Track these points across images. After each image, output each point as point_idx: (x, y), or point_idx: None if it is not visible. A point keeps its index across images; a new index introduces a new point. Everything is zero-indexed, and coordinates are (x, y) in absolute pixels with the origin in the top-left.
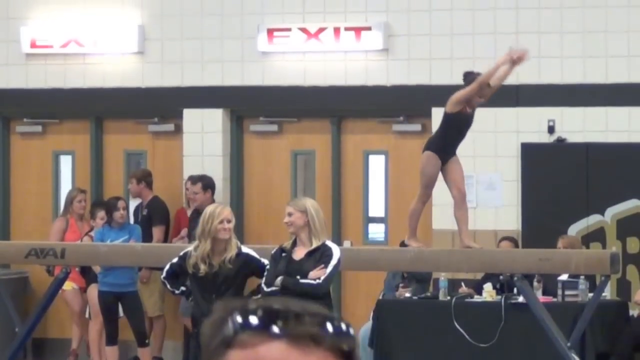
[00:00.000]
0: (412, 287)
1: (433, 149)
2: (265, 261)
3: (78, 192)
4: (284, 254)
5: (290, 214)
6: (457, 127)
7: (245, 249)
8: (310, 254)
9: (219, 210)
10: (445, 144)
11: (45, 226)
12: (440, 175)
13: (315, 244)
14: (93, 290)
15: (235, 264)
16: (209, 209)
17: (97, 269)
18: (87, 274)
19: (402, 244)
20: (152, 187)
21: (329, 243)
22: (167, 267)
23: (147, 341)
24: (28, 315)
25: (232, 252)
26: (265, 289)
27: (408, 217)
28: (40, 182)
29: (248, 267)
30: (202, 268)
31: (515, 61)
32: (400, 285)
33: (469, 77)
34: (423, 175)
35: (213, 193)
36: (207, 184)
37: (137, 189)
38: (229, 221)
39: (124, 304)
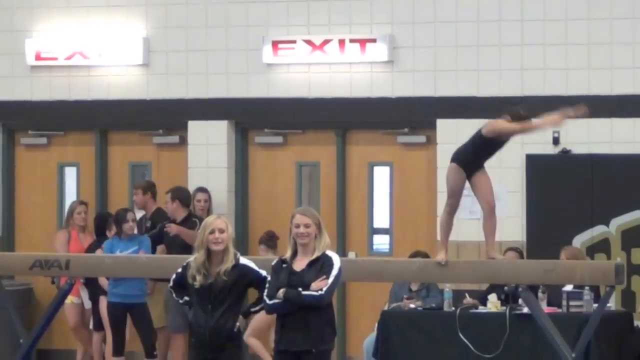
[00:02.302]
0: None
1: (459, 162)
2: (264, 272)
3: (78, 204)
4: (284, 265)
5: (308, 226)
6: (488, 149)
7: (243, 260)
8: (311, 264)
9: (211, 220)
10: (472, 160)
11: (49, 238)
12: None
13: (317, 254)
14: (104, 303)
15: (230, 275)
16: (205, 220)
17: (103, 281)
18: (95, 287)
19: (414, 255)
20: (157, 198)
21: (329, 252)
22: (174, 276)
23: (155, 352)
24: (33, 326)
25: (228, 264)
26: (267, 301)
27: (438, 229)
28: (45, 193)
29: (245, 278)
30: (198, 279)
31: (571, 117)
32: (405, 296)
33: (512, 109)
34: (447, 185)
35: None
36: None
37: (143, 199)
38: (221, 231)
39: (134, 315)
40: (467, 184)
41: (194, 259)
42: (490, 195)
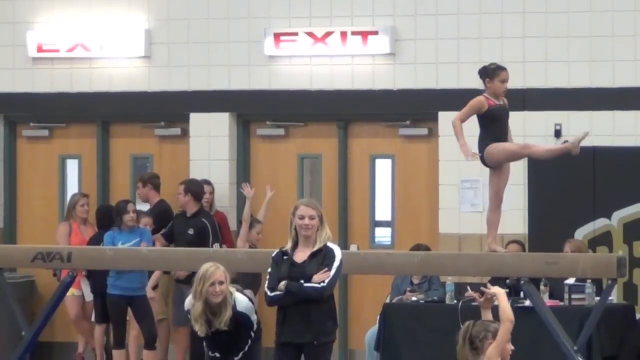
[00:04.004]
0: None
1: (492, 142)
2: (255, 321)
3: (81, 196)
4: (285, 257)
5: (312, 217)
6: (494, 121)
7: (240, 305)
8: (312, 256)
9: (211, 271)
10: (494, 140)
11: (51, 230)
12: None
13: (319, 245)
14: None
15: (230, 325)
16: (202, 269)
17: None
18: (97, 279)
19: (415, 248)
20: (160, 190)
21: (331, 244)
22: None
23: (155, 344)
24: (34, 318)
25: (227, 314)
26: (269, 293)
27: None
28: (47, 186)
29: (241, 327)
30: (200, 328)
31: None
32: (407, 289)
33: (481, 72)
34: (496, 159)
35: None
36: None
37: (143, 192)
38: (221, 283)
39: (135, 308)
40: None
41: (193, 310)
42: (504, 187)
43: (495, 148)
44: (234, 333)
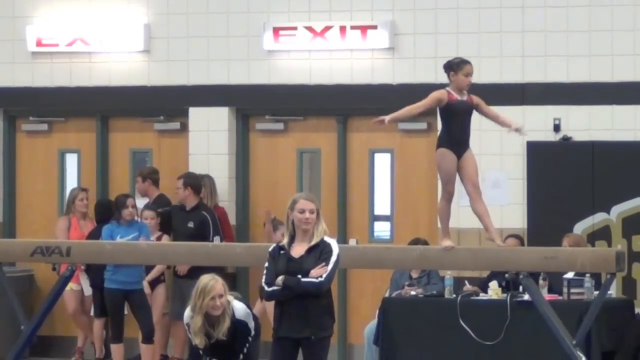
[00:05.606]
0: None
1: (444, 145)
2: (252, 327)
3: (80, 190)
4: (282, 252)
5: (312, 211)
6: (453, 117)
7: (239, 313)
8: (310, 250)
9: (210, 285)
10: (452, 136)
11: (50, 224)
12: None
13: (316, 240)
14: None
15: (228, 334)
16: (201, 282)
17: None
18: (96, 274)
19: (414, 242)
20: (159, 184)
21: (328, 239)
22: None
23: (153, 338)
24: (33, 313)
25: (226, 324)
26: (266, 288)
27: (438, 217)
28: (46, 180)
29: (239, 334)
30: (199, 341)
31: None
32: (406, 284)
33: (446, 65)
34: (440, 172)
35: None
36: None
37: (142, 187)
38: (220, 296)
39: (132, 302)
40: None
41: (193, 323)
42: (476, 176)
43: (442, 158)
44: (232, 340)
